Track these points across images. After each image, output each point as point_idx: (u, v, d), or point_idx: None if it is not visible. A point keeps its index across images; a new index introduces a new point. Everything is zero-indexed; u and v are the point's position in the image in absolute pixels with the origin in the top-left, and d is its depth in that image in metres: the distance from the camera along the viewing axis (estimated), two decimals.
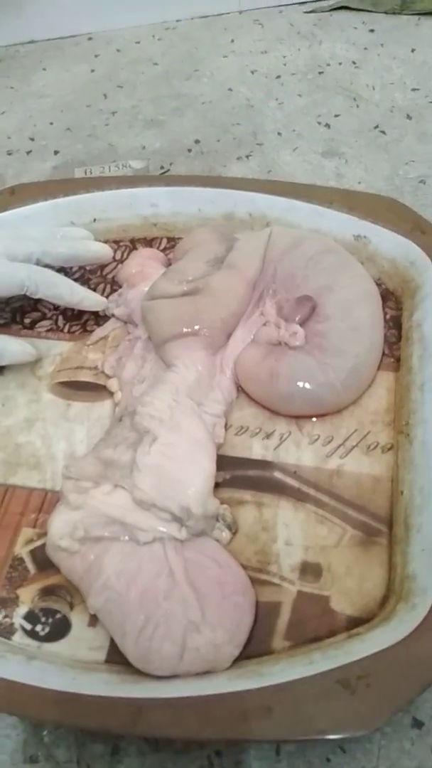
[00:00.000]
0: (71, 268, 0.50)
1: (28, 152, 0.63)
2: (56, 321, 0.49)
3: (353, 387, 0.42)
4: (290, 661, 0.33)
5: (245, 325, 0.45)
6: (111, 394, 0.45)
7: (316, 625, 0.35)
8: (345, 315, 0.43)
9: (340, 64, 0.66)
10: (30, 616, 0.37)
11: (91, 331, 0.48)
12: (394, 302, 0.47)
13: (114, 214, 0.53)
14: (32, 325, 0.49)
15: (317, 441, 0.42)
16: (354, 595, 0.36)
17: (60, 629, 0.36)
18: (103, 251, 0.47)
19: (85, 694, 0.32)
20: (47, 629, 0.36)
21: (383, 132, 0.59)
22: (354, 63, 0.66)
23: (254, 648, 0.34)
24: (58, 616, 0.37)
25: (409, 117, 0.60)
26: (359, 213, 0.48)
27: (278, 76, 0.66)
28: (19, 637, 0.36)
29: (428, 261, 0.45)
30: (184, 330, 0.43)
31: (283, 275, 0.46)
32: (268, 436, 0.42)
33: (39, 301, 0.49)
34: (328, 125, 0.60)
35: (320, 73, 0.66)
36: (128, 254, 0.52)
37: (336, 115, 0.61)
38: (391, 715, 0.30)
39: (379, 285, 0.47)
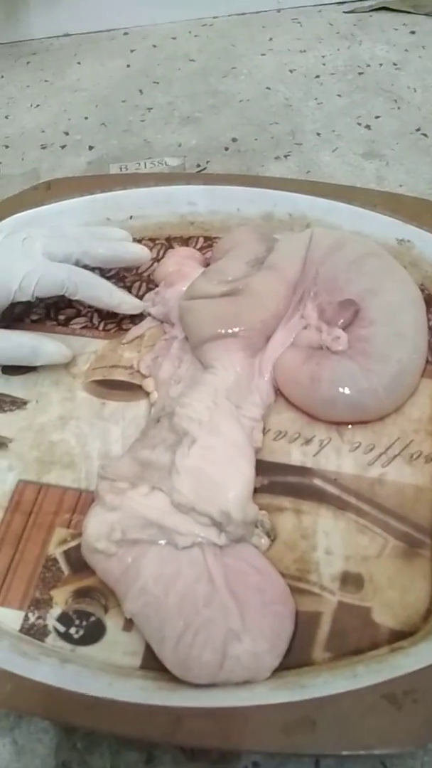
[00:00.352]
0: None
1: (63, 147, 0.62)
2: (91, 318, 0.49)
3: (396, 394, 0.41)
4: (332, 674, 0.32)
5: (285, 327, 0.44)
6: (146, 393, 0.44)
7: (357, 637, 0.34)
8: (389, 320, 0.42)
9: (381, 65, 0.65)
10: (64, 618, 0.36)
11: (127, 330, 0.48)
12: None
13: (151, 211, 0.52)
14: (67, 322, 0.49)
15: (358, 449, 0.41)
16: (396, 608, 0.35)
17: (94, 633, 0.36)
18: (141, 253, 0.46)
19: (122, 700, 0.31)
20: (81, 632, 0.36)
21: (425, 135, 0.58)
22: (395, 64, 0.65)
23: (294, 658, 0.34)
24: (93, 619, 0.36)
25: None
26: (403, 216, 0.48)
27: (317, 76, 0.65)
28: (52, 640, 0.36)
29: None
30: (223, 331, 0.43)
31: (324, 278, 0.45)
32: (307, 441, 0.41)
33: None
34: (368, 126, 0.59)
35: (360, 73, 0.65)
36: (164, 253, 0.51)
37: (376, 117, 0.60)
38: None
39: (422, 290, 0.46)
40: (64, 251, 0.43)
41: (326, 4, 0.72)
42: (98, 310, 0.48)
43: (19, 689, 0.32)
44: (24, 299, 0.42)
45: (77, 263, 0.44)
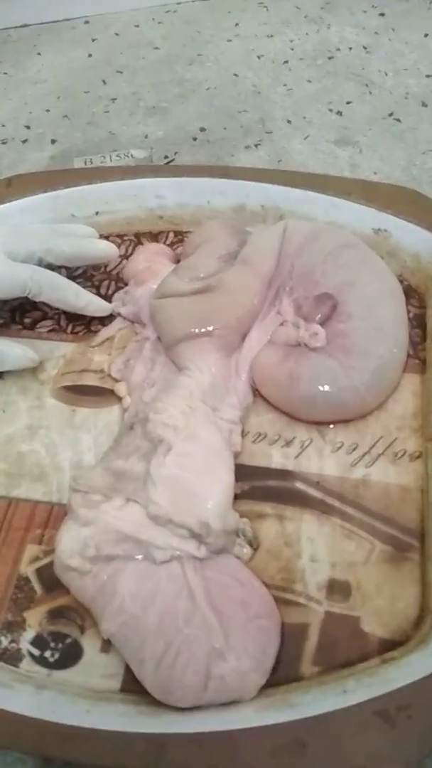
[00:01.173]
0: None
1: (24, 141, 0.60)
2: (59, 321, 0.46)
3: (378, 390, 0.40)
4: (322, 690, 0.31)
5: (261, 325, 0.43)
6: (119, 399, 0.42)
7: (346, 648, 0.33)
8: (368, 314, 0.41)
9: (350, 48, 0.63)
10: (38, 641, 0.34)
11: (96, 332, 0.46)
12: (417, 300, 0.45)
13: (118, 206, 0.50)
14: (33, 325, 0.46)
15: (341, 449, 0.39)
16: (386, 616, 0.34)
17: (71, 655, 0.34)
18: (109, 250, 0.44)
19: (101, 729, 0.29)
20: (57, 655, 0.34)
21: (398, 120, 0.57)
22: (365, 48, 0.63)
23: (281, 674, 0.32)
24: (69, 640, 0.34)
25: (424, 104, 0.58)
26: (378, 205, 0.46)
27: (286, 61, 0.63)
28: (27, 664, 0.34)
29: None
30: (197, 330, 0.41)
31: (300, 271, 0.43)
32: (287, 443, 0.40)
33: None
34: (339, 113, 0.58)
35: (330, 58, 0.63)
36: (133, 249, 0.49)
37: (348, 102, 0.58)
38: None
39: (400, 281, 0.45)
40: (26, 249, 0.41)
41: None
42: (66, 312, 0.46)
43: None
44: None
45: (40, 262, 0.42)
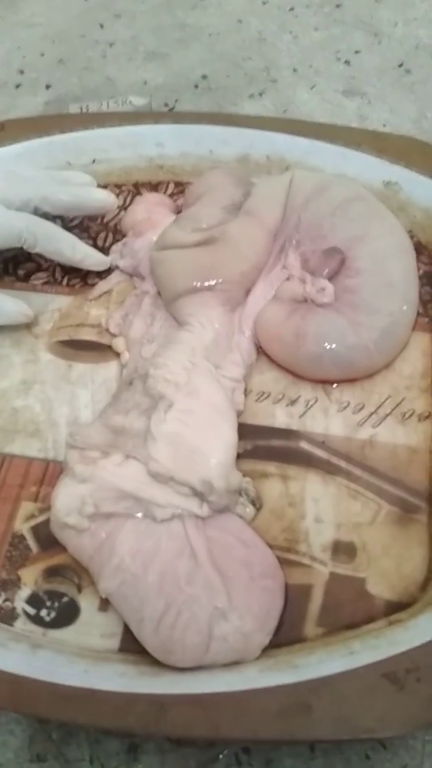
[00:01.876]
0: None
1: (17, 86, 0.57)
2: (53, 273, 0.45)
3: (387, 349, 0.39)
4: (327, 651, 0.30)
5: (266, 279, 0.41)
6: (117, 354, 0.41)
7: (351, 610, 0.32)
8: (378, 269, 0.39)
9: None
10: (33, 600, 0.33)
11: (93, 285, 0.44)
12: (427, 256, 0.43)
13: (116, 154, 0.48)
14: (27, 277, 0.44)
15: (347, 408, 0.38)
16: (392, 578, 0.33)
17: (67, 614, 0.33)
18: (107, 199, 0.42)
19: (100, 689, 0.29)
20: (53, 614, 0.33)
21: (408, 71, 0.54)
22: None
23: (285, 635, 0.31)
24: (65, 599, 0.33)
25: None
26: (389, 157, 0.44)
27: (291, 8, 0.60)
28: (22, 623, 0.33)
29: None
30: (199, 284, 0.39)
31: (307, 224, 0.41)
32: (292, 402, 0.38)
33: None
34: (347, 62, 0.55)
35: (338, 6, 0.60)
36: (132, 200, 0.47)
37: (356, 52, 0.56)
38: None
39: (411, 237, 0.43)
40: (22, 197, 0.39)
41: None
42: (61, 264, 0.44)
43: None
44: None
45: (36, 211, 0.40)
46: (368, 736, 0.27)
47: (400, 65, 0.55)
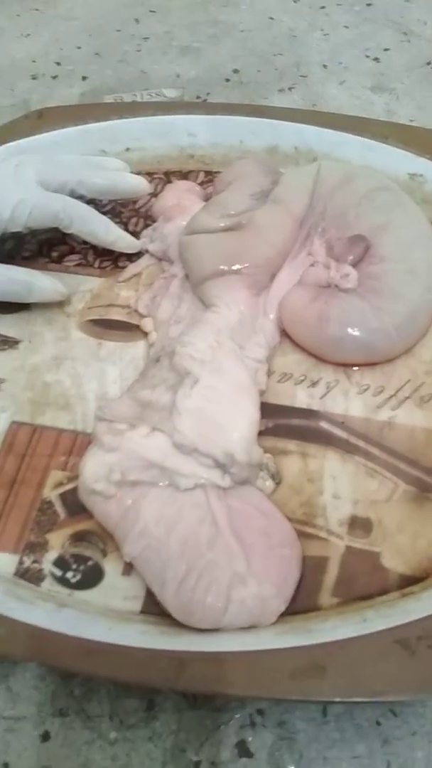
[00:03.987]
0: (102, 201, 0.47)
1: (54, 77, 0.59)
2: (86, 255, 0.46)
3: (408, 334, 0.39)
4: (341, 618, 0.31)
5: (291, 264, 0.42)
6: (145, 334, 0.42)
7: (366, 582, 0.33)
8: (401, 257, 0.40)
9: None
10: (60, 562, 0.35)
11: (123, 268, 0.45)
12: None
13: (148, 143, 0.49)
14: (60, 259, 0.46)
15: (367, 391, 0.39)
16: (407, 553, 0.34)
17: (92, 577, 0.34)
18: (141, 185, 0.44)
19: (123, 644, 0.30)
20: (78, 576, 0.34)
21: None
22: None
23: (300, 603, 0.32)
24: (90, 563, 0.35)
25: None
26: (415, 149, 0.45)
27: (323, 7, 0.62)
28: (48, 584, 0.34)
29: None
30: (226, 268, 0.41)
31: (333, 213, 0.42)
32: (313, 384, 0.40)
33: (67, 233, 0.46)
34: (377, 59, 0.56)
35: (368, 5, 0.61)
36: (163, 187, 0.49)
37: (385, 49, 0.57)
38: None
39: None
40: (59, 180, 0.40)
41: None
42: (93, 247, 0.46)
43: (14, 634, 0.30)
44: (15, 230, 0.39)
45: (72, 193, 0.41)
46: (380, 698, 0.28)
47: (428, 63, 0.56)
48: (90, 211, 0.42)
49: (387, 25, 0.59)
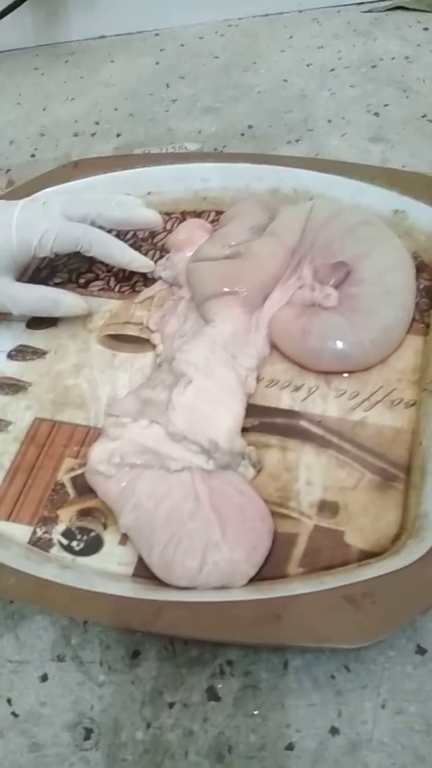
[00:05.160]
0: (125, 234, 0.54)
1: (93, 134, 0.68)
2: (108, 282, 0.53)
3: (382, 346, 0.44)
4: (301, 581, 0.35)
5: (282, 288, 0.48)
6: (154, 346, 0.48)
7: (329, 555, 0.37)
8: (378, 280, 0.46)
9: (393, 58, 0.68)
10: (67, 533, 0.40)
11: (140, 291, 0.52)
12: (428, 274, 0.49)
13: (167, 187, 0.56)
14: (86, 285, 0.53)
15: (344, 395, 0.44)
16: (368, 531, 0.38)
17: (93, 545, 0.40)
18: (153, 217, 0.51)
19: (110, 593, 0.35)
20: (82, 545, 0.40)
21: (431, 121, 0.61)
22: (407, 58, 0.68)
23: (270, 571, 0.37)
24: (93, 534, 0.40)
25: None
26: (399, 189, 0.51)
27: (332, 69, 0.69)
28: (56, 551, 0.40)
29: None
30: (224, 289, 0.47)
31: (321, 243, 0.48)
32: (297, 389, 0.45)
33: (93, 263, 0.54)
34: (377, 114, 0.63)
35: (373, 66, 0.68)
36: (178, 225, 0.56)
37: (385, 105, 0.63)
38: (392, 631, 0.32)
39: (415, 258, 0.49)
40: (81, 212, 0.48)
41: (345, 5, 0.76)
42: (115, 275, 0.53)
43: (22, 582, 0.36)
44: (43, 254, 0.47)
45: (92, 224, 0.48)
46: (325, 644, 0.32)
47: (424, 116, 0.62)
48: (107, 236, 0.49)
49: (389, 83, 0.66)
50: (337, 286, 0.46)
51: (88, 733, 0.34)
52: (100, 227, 0.48)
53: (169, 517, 0.37)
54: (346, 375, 0.45)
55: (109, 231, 0.49)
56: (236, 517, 0.37)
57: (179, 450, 0.40)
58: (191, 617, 0.33)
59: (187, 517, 0.37)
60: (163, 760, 0.33)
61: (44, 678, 0.36)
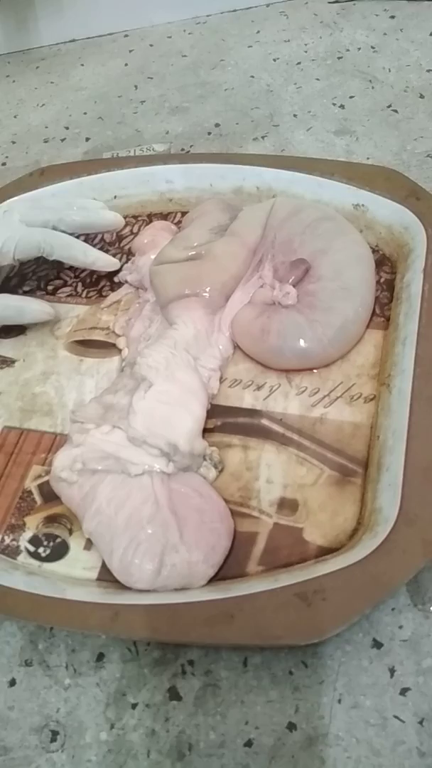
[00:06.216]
0: (93, 239, 0.54)
1: (63, 140, 0.68)
2: (76, 287, 0.54)
3: (340, 343, 0.45)
4: (258, 579, 0.36)
5: (244, 287, 0.48)
6: (120, 351, 0.49)
7: (288, 552, 0.38)
8: (336, 275, 0.46)
9: (359, 49, 0.68)
10: (34, 540, 0.41)
11: (107, 296, 0.52)
12: (389, 267, 0.49)
13: (133, 190, 0.57)
14: (54, 292, 0.54)
15: (304, 392, 0.44)
16: (326, 528, 0.38)
17: (59, 551, 0.40)
18: (114, 219, 0.51)
19: (70, 599, 0.36)
20: (48, 551, 0.40)
21: (395, 111, 0.61)
22: (373, 48, 0.68)
23: (230, 570, 0.37)
24: (59, 540, 0.41)
25: (421, 96, 0.62)
26: (358, 183, 0.51)
27: (298, 63, 0.69)
28: (23, 558, 0.40)
29: (420, 225, 0.47)
30: (186, 291, 0.47)
31: (281, 241, 0.48)
32: (259, 388, 0.45)
33: (61, 269, 0.54)
34: (342, 106, 0.63)
35: (339, 58, 0.68)
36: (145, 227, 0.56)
37: (351, 97, 0.63)
38: (342, 627, 0.33)
39: (376, 251, 0.49)
40: (42, 219, 0.48)
41: None
42: (82, 280, 0.53)
43: None
44: (6, 263, 0.47)
45: (54, 230, 0.49)
46: (278, 642, 0.33)
47: (389, 106, 0.62)
48: (69, 238, 0.49)
49: (354, 75, 0.66)
50: (296, 284, 0.47)
51: (54, 735, 0.35)
52: (62, 232, 0.49)
53: (129, 522, 0.38)
54: (306, 372, 0.45)
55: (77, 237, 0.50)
56: (195, 518, 0.38)
57: (139, 454, 0.40)
58: (147, 620, 0.34)
59: (146, 521, 0.38)
60: (126, 760, 0.34)
61: (12, 683, 0.37)
